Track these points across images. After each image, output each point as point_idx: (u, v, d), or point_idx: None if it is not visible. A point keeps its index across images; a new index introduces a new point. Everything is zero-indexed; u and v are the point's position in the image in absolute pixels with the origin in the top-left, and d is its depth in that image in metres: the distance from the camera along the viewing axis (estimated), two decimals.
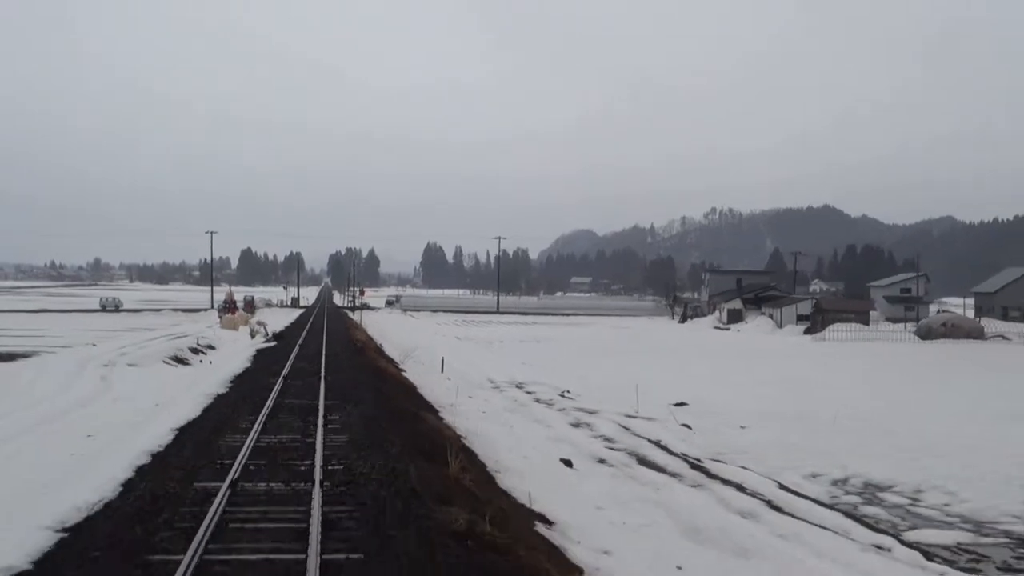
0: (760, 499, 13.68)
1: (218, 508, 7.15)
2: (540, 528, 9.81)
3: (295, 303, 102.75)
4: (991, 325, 63.44)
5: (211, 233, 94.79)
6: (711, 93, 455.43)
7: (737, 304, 67.58)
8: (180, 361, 31.83)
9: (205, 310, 74.59)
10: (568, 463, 14.67)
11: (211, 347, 38.37)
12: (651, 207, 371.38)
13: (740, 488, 14.34)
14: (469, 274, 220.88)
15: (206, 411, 14.27)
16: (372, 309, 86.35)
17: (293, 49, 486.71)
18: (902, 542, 11.96)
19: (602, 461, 15.86)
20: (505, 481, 12.17)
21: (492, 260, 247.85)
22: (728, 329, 63.57)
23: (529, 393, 25.47)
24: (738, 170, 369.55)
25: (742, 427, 21.45)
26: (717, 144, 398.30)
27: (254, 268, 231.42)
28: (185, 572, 5.72)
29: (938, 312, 70.34)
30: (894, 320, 68.42)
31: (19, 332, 48.40)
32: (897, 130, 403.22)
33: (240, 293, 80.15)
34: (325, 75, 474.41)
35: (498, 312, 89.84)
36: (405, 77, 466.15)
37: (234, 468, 8.73)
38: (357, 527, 6.90)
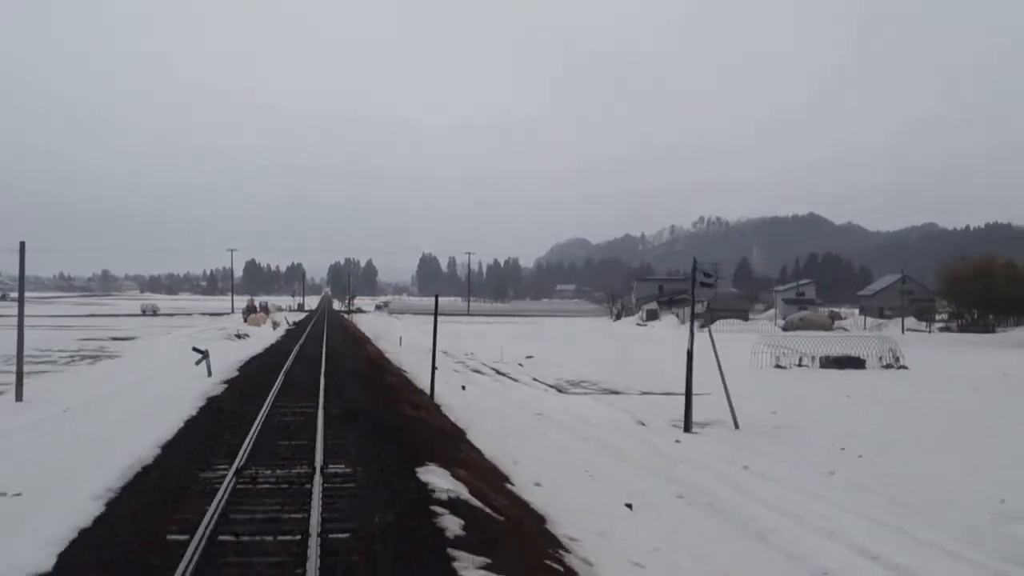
0: (512, 380, 32.40)
1: (303, 336, 26.06)
2: (405, 375, 28.42)
3: (300, 308, 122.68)
4: (863, 322, 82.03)
5: (232, 250, 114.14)
6: (703, 100, 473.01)
7: (654, 305, 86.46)
8: (231, 341, 50.67)
9: (227, 314, 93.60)
10: (435, 368, 33.23)
11: (247, 335, 57.11)
12: (643, 217, 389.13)
13: (509, 377, 33.05)
14: (463, 283, 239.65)
15: (272, 346, 33.00)
16: (364, 312, 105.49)
17: (293, 70, 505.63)
18: (559, 391, 30.54)
19: (456, 371, 34.47)
20: (396, 367, 30.81)
21: (485, 269, 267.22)
22: (645, 325, 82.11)
23: (447, 354, 44.01)
24: (728, 178, 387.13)
25: (558, 367, 39.86)
26: (707, 154, 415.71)
27: (258, 278, 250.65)
28: (294, 355, 24.51)
29: (828, 312, 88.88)
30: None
31: (103, 328, 67.26)
32: (885, 138, 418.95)
33: (255, 301, 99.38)
34: (321, 97, 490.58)
35: (468, 314, 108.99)
36: (408, 95, 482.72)
37: (295, 349, 27.51)
38: (335, 357, 25.62)
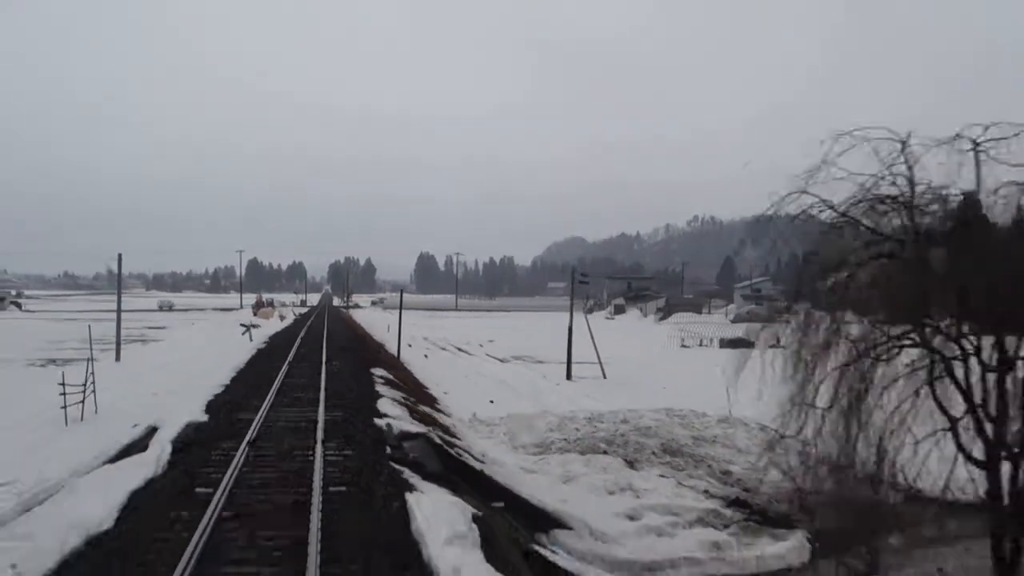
0: (468, 354, 43.43)
1: (308, 323, 37.06)
2: (383, 346, 39.38)
3: (303, 303, 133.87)
4: None
5: (240, 251, 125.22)
6: (696, 98, 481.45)
7: (621, 301, 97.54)
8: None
9: (237, 309, 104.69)
10: (410, 345, 44.25)
11: (258, 325, 68.04)
12: (639, 216, 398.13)
13: (466, 353, 44.10)
14: (459, 281, 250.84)
15: (286, 328, 44.07)
16: (361, 308, 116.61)
17: (287, 72, 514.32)
18: (500, 361, 41.56)
19: (427, 348, 45.45)
20: (378, 342, 41.77)
21: (481, 268, 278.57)
22: (612, 319, 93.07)
23: (426, 339, 54.96)
24: (722, 177, 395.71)
25: (510, 347, 50.70)
26: (702, 154, 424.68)
27: (260, 276, 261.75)
28: (304, 332, 35.47)
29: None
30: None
31: (132, 320, 78.17)
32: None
33: (262, 297, 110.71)
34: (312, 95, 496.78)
35: (456, 310, 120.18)
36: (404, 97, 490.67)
37: (303, 330, 38.50)
38: (334, 334, 36.61)
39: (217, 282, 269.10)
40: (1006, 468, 8.52)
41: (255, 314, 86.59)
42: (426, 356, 37.91)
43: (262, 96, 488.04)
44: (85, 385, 19.94)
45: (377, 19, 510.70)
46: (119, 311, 33.86)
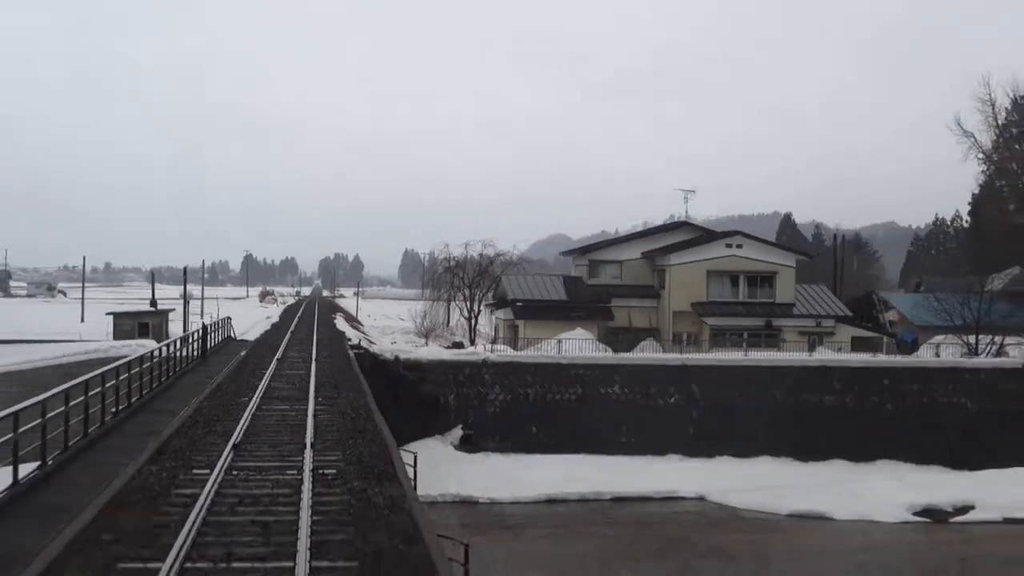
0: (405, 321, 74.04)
1: (304, 301, 67.73)
2: (350, 312, 69.73)
3: (299, 294, 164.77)
4: None
5: (247, 252, 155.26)
6: (675, 99, 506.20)
7: None
8: (264, 308, 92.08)
9: (244, 298, 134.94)
10: (369, 315, 74.31)
11: (265, 307, 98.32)
12: (621, 213, 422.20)
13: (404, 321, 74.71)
14: (441, 276, 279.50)
15: (290, 306, 74.50)
16: (344, 297, 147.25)
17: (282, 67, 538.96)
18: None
19: (380, 316, 75.65)
20: (348, 312, 72.03)
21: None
22: None
23: (384, 314, 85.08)
24: (698, 176, 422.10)
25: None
26: (682, 151, 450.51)
27: (255, 271, 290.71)
28: (303, 308, 65.94)
29: None
30: None
31: (171, 304, 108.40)
32: (850, 137, 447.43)
33: (267, 288, 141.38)
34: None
35: (424, 300, 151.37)
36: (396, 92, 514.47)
37: (303, 305, 69.01)
38: (321, 303, 67.09)
39: (214, 276, 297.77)
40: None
41: (261, 301, 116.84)
42: (375, 321, 67.87)
43: (260, 100, 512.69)
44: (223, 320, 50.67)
45: (373, 20, 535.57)
46: (202, 297, 63.91)
